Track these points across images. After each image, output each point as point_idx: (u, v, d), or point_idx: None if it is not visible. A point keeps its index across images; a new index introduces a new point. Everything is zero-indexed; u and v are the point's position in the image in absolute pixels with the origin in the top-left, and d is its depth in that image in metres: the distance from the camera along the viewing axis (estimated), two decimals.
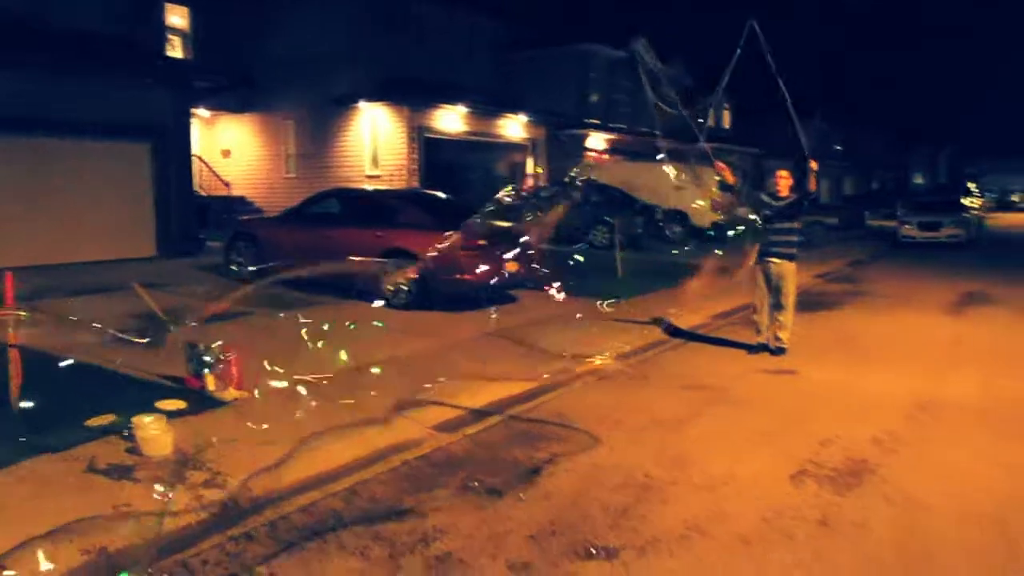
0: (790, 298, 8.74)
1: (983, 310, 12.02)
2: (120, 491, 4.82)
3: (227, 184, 22.07)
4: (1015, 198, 63.03)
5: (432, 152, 21.60)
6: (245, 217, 17.50)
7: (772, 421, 6.34)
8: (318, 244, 11.67)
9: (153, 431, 5.48)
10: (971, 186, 34.65)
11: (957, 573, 3.90)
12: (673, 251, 19.50)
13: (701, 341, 9.81)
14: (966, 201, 26.20)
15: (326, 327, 9.41)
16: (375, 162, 21.08)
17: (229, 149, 23.56)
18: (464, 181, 22.53)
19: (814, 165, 8.67)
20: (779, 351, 8.75)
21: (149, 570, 3.99)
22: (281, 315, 10.09)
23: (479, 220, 12.97)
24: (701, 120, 10.84)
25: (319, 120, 21.87)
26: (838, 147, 48.81)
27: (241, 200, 22.53)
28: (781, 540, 4.21)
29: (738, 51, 8.51)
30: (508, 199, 18.70)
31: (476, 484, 5.07)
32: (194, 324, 8.30)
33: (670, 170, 23.23)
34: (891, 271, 17.77)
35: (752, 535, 4.26)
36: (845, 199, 42.98)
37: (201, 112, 22.29)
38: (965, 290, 14.07)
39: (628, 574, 3.84)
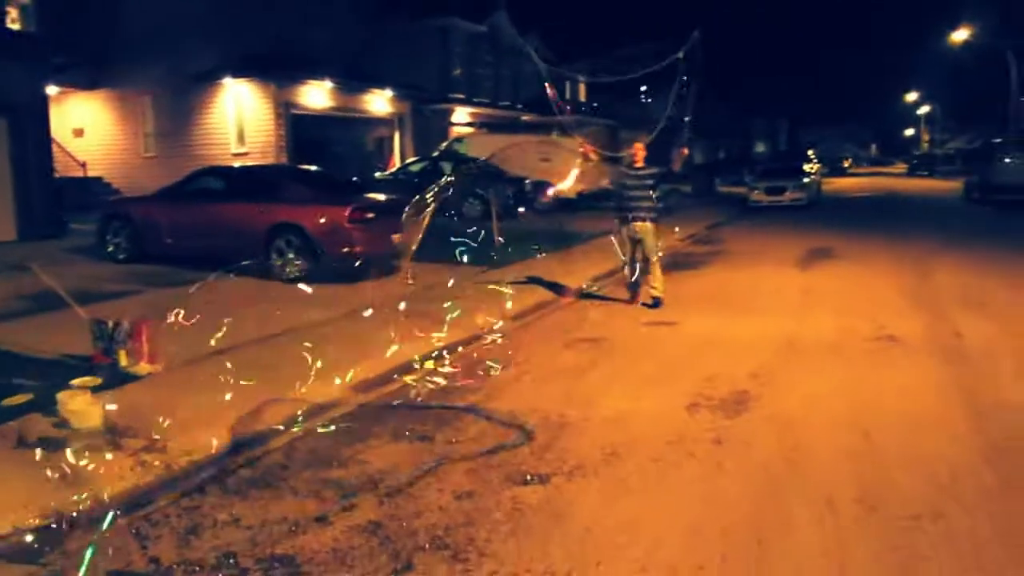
0: (655, 255, 9.62)
1: (828, 263, 13.32)
2: (59, 461, 4.91)
3: (82, 164, 21.15)
4: (845, 164, 67.98)
5: (299, 128, 21.45)
6: (116, 197, 16.94)
7: (662, 365, 7.05)
8: (199, 221, 11.61)
9: (81, 404, 5.56)
10: (810, 153, 37.26)
11: (827, 468, 4.66)
12: (541, 219, 20.27)
13: (584, 298, 10.48)
14: (806, 167, 28.30)
15: (221, 301, 9.53)
16: (241, 139, 20.74)
17: (82, 128, 22.52)
18: (332, 156, 22.45)
19: (685, 152, 10.11)
20: (656, 303, 9.59)
21: (110, 528, 4.18)
22: (170, 292, 10.10)
23: (366, 193, 13.23)
24: (560, 98, 11.63)
25: (179, 97, 21.25)
26: (686, 118, 51.16)
27: (98, 181, 21.66)
28: (685, 458, 4.86)
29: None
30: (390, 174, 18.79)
31: (407, 433, 5.48)
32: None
33: (532, 142, 24.08)
34: (744, 232, 19.15)
35: (661, 455, 4.89)
36: (695, 167, 45.15)
37: (49, 90, 21.16)
38: (810, 247, 15.45)
39: (562, 494, 4.37)
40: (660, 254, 9.90)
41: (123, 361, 6.83)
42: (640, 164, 9.71)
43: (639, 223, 9.51)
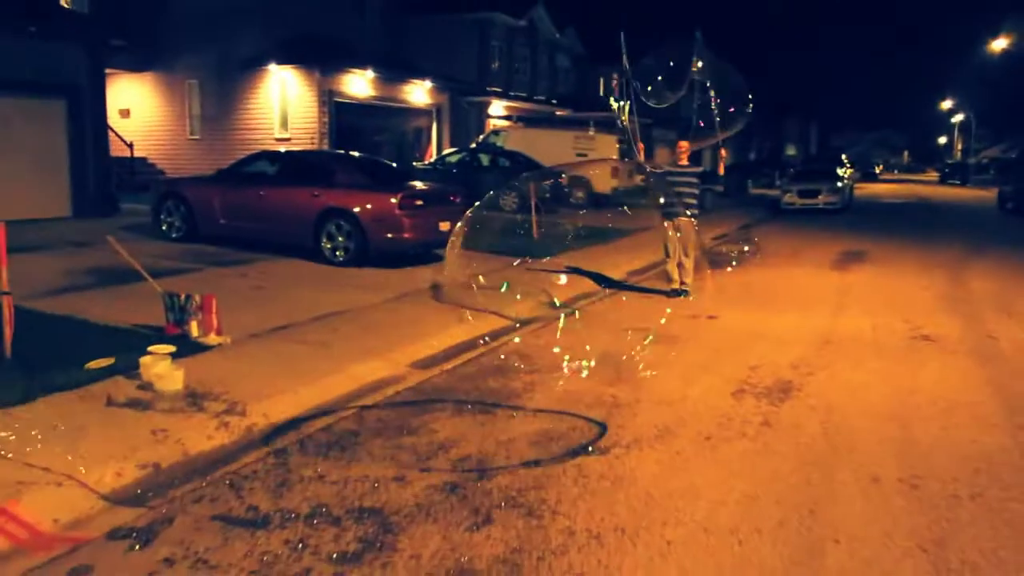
0: (694, 247, 10.23)
1: (862, 265, 13.53)
2: (149, 420, 5.31)
3: (129, 145, 21.66)
4: (877, 170, 67.63)
5: (340, 116, 21.86)
6: (171, 177, 17.42)
7: (706, 354, 7.36)
8: (252, 204, 12.00)
9: (164, 368, 5.95)
10: (844, 157, 37.23)
11: (870, 450, 4.96)
12: (578, 215, 20.59)
13: (626, 290, 10.78)
14: (840, 171, 28.36)
15: (276, 280, 9.94)
16: (285, 125, 21.18)
17: (128, 109, 23.07)
18: (371, 145, 22.89)
19: (724, 153, 11.57)
20: (684, 292, 10.19)
21: (205, 480, 4.55)
22: (227, 271, 10.53)
23: (420, 181, 13.59)
24: (618, 98, 11.91)
25: (225, 82, 21.73)
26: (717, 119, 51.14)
27: (143, 161, 22.20)
28: (736, 436, 5.17)
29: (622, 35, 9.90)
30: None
31: (469, 407, 5.82)
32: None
33: (569, 137, 24.34)
34: (778, 233, 19.34)
35: (712, 434, 5.21)
36: (728, 169, 45.19)
37: None
38: (844, 249, 15.65)
39: (624, 463, 4.70)
40: (698, 250, 10.41)
41: (194, 332, 7.21)
42: (685, 162, 10.27)
43: (683, 218, 9.98)
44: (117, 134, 21.82)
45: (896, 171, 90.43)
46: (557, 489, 4.33)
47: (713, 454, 4.88)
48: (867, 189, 43.57)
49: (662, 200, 10.36)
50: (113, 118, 22.60)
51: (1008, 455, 4.91)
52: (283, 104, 21.18)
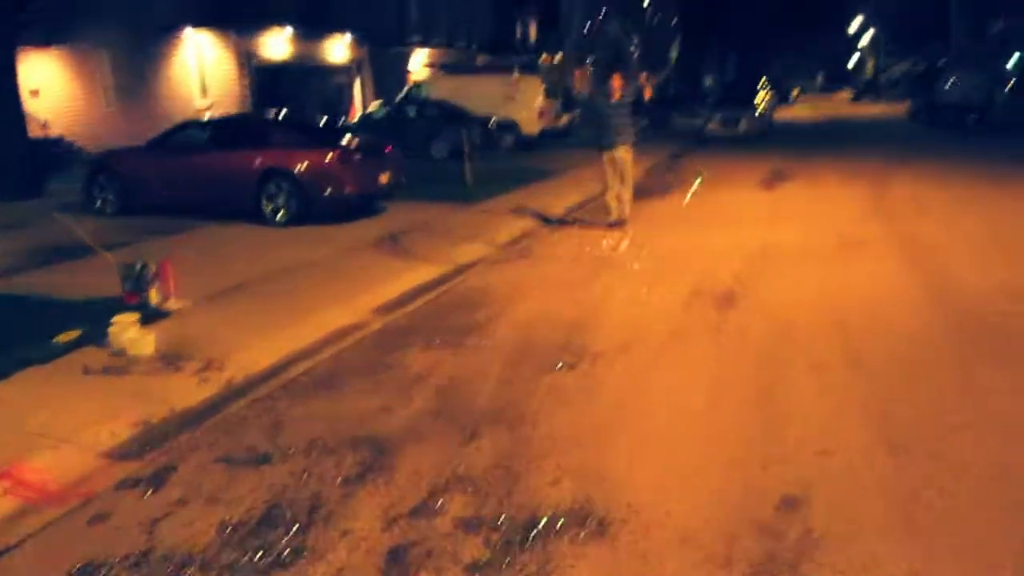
0: (630, 177, 10.63)
1: (788, 184, 14.11)
2: (130, 383, 5.45)
3: (44, 125, 20.99)
4: (794, 93, 69.00)
5: (261, 78, 21.50)
6: (101, 152, 16.97)
7: (654, 271, 7.76)
8: (188, 172, 11.91)
9: (135, 333, 6.07)
10: (762, 84, 37.98)
11: (820, 341, 5.45)
12: (507, 157, 20.82)
13: (567, 225, 11.09)
14: (759, 98, 29.05)
15: (222, 245, 9.99)
16: (205, 91, 20.76)
17: (37, 89, 22.24)
18: (294, 106, 22.56)
19: (646, 82, 11.02)
20: (624, 221, 10.48)
21: (198, 430, 4.76)
22: (170, 239, 10.51)
23: (354, 136, 13.62)
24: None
25: (138, 50, 21.07)
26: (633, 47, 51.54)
27: (59, 140, 21.53)
28: (693, 339, 5.60)
29: None
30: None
31: (438, 341, 6.10)
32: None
33: (494, 82, 24.36)
34: (705, 160, 19.85)
35: (670, 339, 5.62)
36: (652, 101, 45.59)
37: None
38: (771, 169, 16.24)
39: (592, 374, 5.06)
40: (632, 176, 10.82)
41: (154, 299, 7.27)
42: (619, 97, 10.51)
43: (621, 149, 10.35)
44: (29, 114, 21.15)
45: (812, 93, 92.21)
46: (535, 403, 4.66)
47: (674, 357, 5.28)
48: (787, 113, 44.57)
49: (598, 133, 10.66)
50: (24, 99, 21.87)
51: (934, 337, 5.42)
52: (201, 69, 20.73)
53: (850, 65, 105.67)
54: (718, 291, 6.90)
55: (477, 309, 6.94)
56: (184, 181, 11.94)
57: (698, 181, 14.63)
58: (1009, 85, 33.50)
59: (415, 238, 10.33)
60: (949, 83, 27.01)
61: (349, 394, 5.11)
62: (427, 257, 9.12)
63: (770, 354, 5.23)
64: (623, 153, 10.43)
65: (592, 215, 11.70)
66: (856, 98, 63.54)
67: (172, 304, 7.36)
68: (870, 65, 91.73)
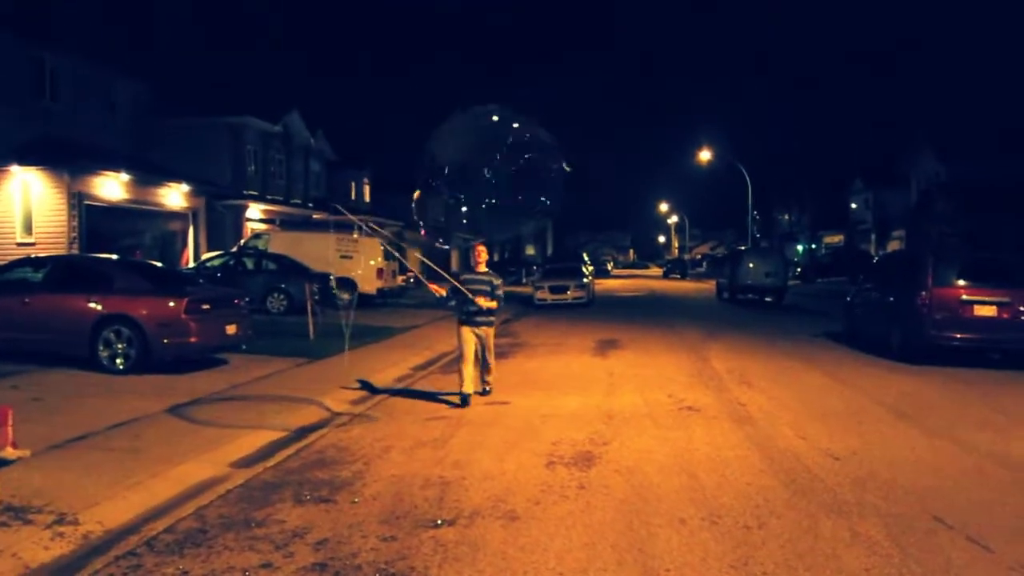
0: (492, 352, 10.14)
1: (619, 351, 15.08)
2: None
3: None
4: (609, 266, 73.89)
5: (92, 219, 20.86)
6: None
7: (510, 434, 8.07)
8: (16, 312, 11.30)
9: None
10: (584, 256, 40.66)
11: (672, 498, 5.88)
12: (344, 315, 20.92)
13: (410, 394, 10.86)
14: (584, 269, 31.07)
15: (54, 392, 9.49)
16: (29, 229, 19.85)
17: None
18: (125, 249, 21.94)
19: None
20: (487, 392, 10.19)
21: None
22: (3, 383, 9.84)
23: (202, 284, 13.42)
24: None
25: None
26: (465, 220, 54.01)
27: None
28: (560, 499, 5.89)
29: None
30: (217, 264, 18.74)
31: (308, 497, 6.07)
32: None
33: (333, 240, 24.75)
34: (536, 327, 20.83)
35: (540, 499, 5.89)
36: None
37: None
38: (599, 338, 17.30)
39: (473, 531, 5.22)
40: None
41: None
42: (483, 268, 10.04)
43: (484, 327, 9.86)
44: None
45: (624, 267, 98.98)
46: (422, 557, 4.76)
47: (546, 515, 5.54)
48: (604, 284, 47.52)
49: (462, 307, 9.79)
50: None
51: (776, 492, 6.02)
52: (26, 207, 19.88)
53: (659, 242, 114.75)
54: (576, 452, 7.31)
55: (339, 467, 6.96)
56: (11, 322, 11.30)
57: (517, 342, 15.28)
58: (798, 271, 37.56)
59: (265, 392, 10.20)
60: (749, 267, 30.05)
61: (223, 551, 4.98)
62: (280, 413, 9.04)
63: (634, 511, 5.60)
64: (486, 332, 9.92)
65: (438, 379, 12.02)
66: (666, 274, 68.76)
67: (10, 452, 6.90)
68: (675, 245, 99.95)
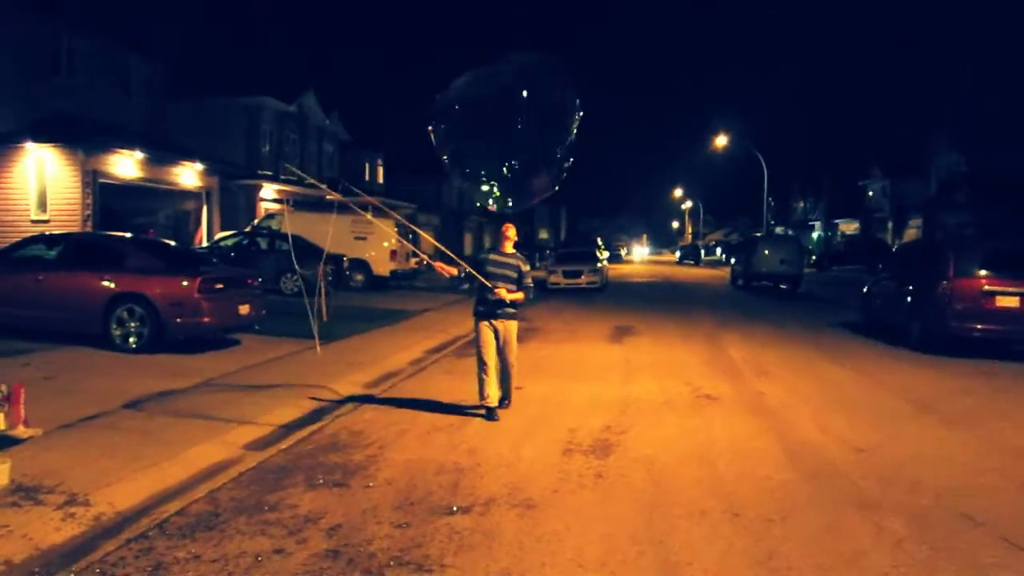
0: (514, 355, 8.30)
1: (634, 338, 14.94)
2: None
3: None
4: (622, 252, 73.59)
5: (105, 197, 20.80)
6: None
7: (526, 421, 7.94)
8: (30, 290, 11.26)
9: None
10: (599, 241, 40.50)
11: (691, 490, 5.75)
12: (360, 297, 20.88)
13: (425, 378, 10.84)
14: (598, 254, 30.89)
15: (67, 370, 9.43)
16: (43, 206, 19.82)
17: None
18: (139, 227, 21.89)
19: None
20: (507, 404, 8.40)
21: (70, 573, 4.41)
22: (8, 361, 9.79)
23: (216, 264, 13.33)
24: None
25: None
26: (478, 204, 53.93)
27: None
28: (577, 488, 5.78)
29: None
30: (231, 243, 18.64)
31: (321, 481, 5.98)
32: None
33: (347, 221, 24.64)
34: (550, 311, 20.68)
35: (558, 487, 5.78)
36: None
37: None
38: (614, 324, 17.16)
39: (489, 519, 5.12)
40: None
41: (1, 424, 6.76)
42: (509, 248, 8.26)
43: (504, 318, 8.13)
44: None
45: (639, 253, 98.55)
46: (437, 545, 4.67)
47: (564, 504, 5.44)
48: (617, 270, 47.33)
49: (478, 296, 8.24)
50: None
51: (799, 486, 5.90)
52: (40, 184, 19.83)
53: (673, 228, 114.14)
54: (593, 440, 7.19)
55: (354, 450, 6.87)
56: (25, 299, 11.26)
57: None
58: (812, 258, 37.22)
59: (277, 374, 10.13)
60: (764, 253, 29.78)
61: (235, 534, 4.90)
62: (293, 395, 8.96)
63: (654, 503, 5.49)
64: (504, 326, 8.14)
65: (453, 363, 11.92)
66: (680, 260, 68.46)
67: (22, 431, 6.82)
68: (688, 231, 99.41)
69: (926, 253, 15.03)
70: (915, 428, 8.01)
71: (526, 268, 8.29)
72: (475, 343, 8.27)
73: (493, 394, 8.07)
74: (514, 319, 8.25)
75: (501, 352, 8.16)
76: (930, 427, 8.06)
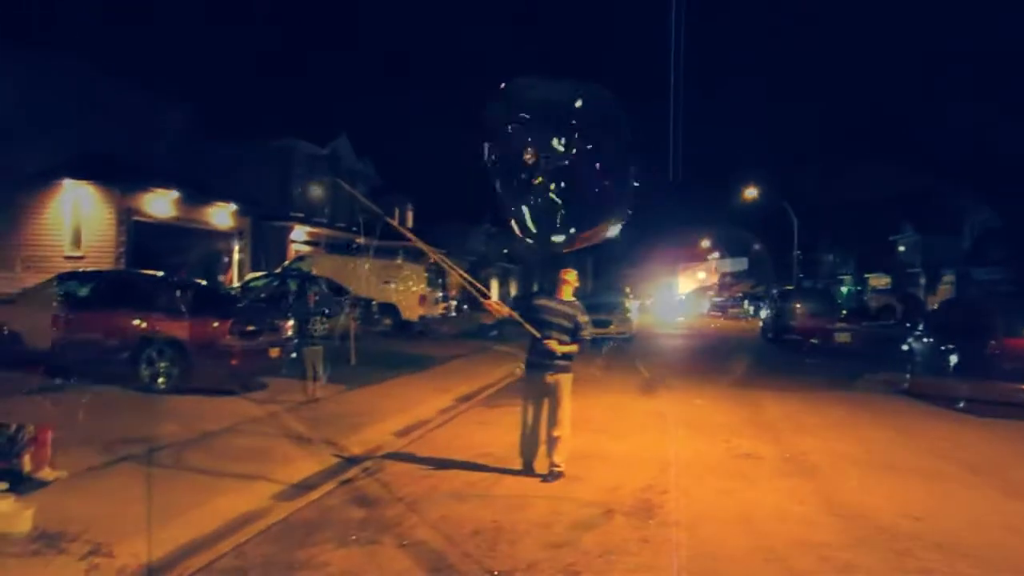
0: (566, 414, 7.54)
1: (667, 391, 14.61)
2: (5, 563, 4.82)
3: None
4: (648, 302, 73.10)
5: (139, 235, 20.93)
6: None
7: (566, 478, 7.56)
8: (63, 328, 11.21)
9: (10, 507, 5.44)
10: (627, 289, 40.17)
11: (747, 561, 5.46)
12: (387, 341, 20.72)
13: (455, 427, 10.57)
14: (626, 302, 30.56)
15: (95, 409, 9.28)
16: (77, 243, 19.96)
17: None
18: (171, 266, 21.94)
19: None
20: (555, 476, 7.42)
21: None
22: (36, 399, 9.67)
23: (246, 306, 13.23)
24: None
25: (7, 194, 20.25)
26: (505, 251, 53.84)
27: None
28: (625, 553, 5.49)
29: None
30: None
31: (353, 538, 5.73)
32: None
33: (377, 265, 24.61)
34: (580, 361, 20.32)
35: (605, 551, 5.52)
36: (516, 299, 47.07)
37: None
38: (645, 376, 16.84)
39: None
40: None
41: (27, 466, 6.59)
42: (567, 296, 7.71)
43: (555, 372, 7.46)
44: None
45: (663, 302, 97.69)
46: None
47: (610, 570, 5.15)
48: (646, 319, 46.90)
49: (530, 347, 7.57)
50: None
51: (856, 555, 5.58)
52: (76, 220, 20.01)
53: (700, 277, 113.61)
54: (635, 501, 6.89)
55: (384, 506, 6.61)
56: (57, 337, 11.19)
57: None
58: (843, 313, 36.73)
59: (304, 421, 9.91)
60: (796, 307, 29.32)
61: None
62: (321, 443, 8.74)
63: (706, 570, 5.20)
64: (555, 379, 7.45)
65: (485, 410, 11.67)
66: (707, 312, 67.83)
67: (48, 473, 6.67)
68: (714, 281, 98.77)
69: (970, 311, 14.67)
70: (969, 493, 7.66)
71: (584, 319, 7.64)
72: (522, 401, 7.74)
73: (532, 455, 7.60)
74: (566, 372, 7.54)
75: (548, 408, 7.49)
76: (985, 492, 7.70)
